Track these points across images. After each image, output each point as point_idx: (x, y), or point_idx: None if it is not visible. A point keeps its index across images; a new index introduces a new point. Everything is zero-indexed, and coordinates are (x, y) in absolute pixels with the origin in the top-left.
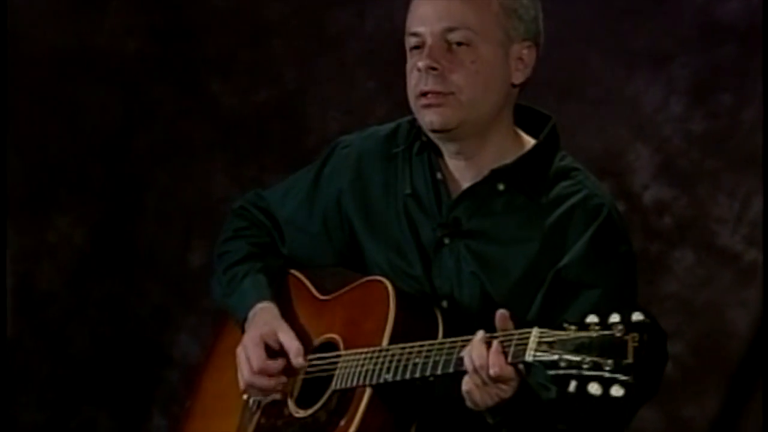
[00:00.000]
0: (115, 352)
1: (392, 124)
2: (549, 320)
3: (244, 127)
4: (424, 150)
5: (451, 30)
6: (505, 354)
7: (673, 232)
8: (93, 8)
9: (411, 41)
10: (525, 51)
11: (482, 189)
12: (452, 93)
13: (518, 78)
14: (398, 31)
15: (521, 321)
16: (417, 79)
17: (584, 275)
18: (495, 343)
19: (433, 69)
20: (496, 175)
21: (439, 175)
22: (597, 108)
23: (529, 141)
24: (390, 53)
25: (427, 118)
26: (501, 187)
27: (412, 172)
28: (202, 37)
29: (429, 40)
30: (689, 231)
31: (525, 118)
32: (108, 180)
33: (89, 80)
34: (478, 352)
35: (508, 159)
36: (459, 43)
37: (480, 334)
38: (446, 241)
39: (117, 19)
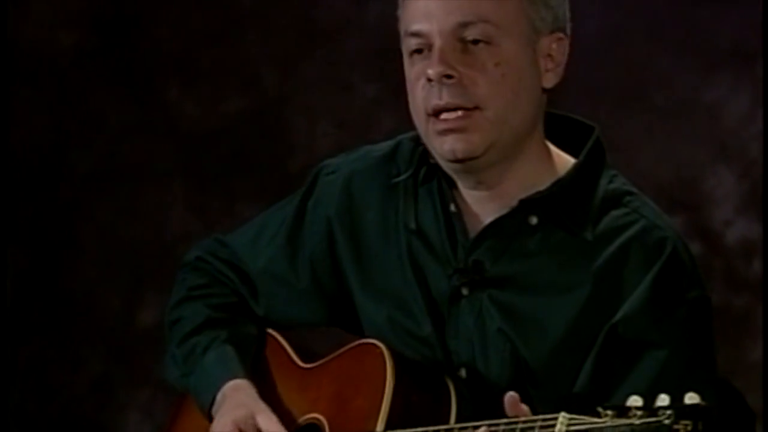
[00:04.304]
0: None
1: (390, 143)
2: (603, 391)
3: (210, 144)
4: (433, 176)
5: (465, 25)
6: None
7: (763, 281)
8: None
9: (411, 44)
10: (554, 45)
11: (510, 224)
12: (477, 108)
13: (549, 80)
14: None
15: (566, 394)
16: (426, 92)
17: (647, 332)
18: None
19: (449, 77)
20: (526, 206)
21: (452, 208)
22: (665, 120)
23: (567, 160)
24: (396, 51)
25: (447, 147)
26: (534, 220)
27: (418, 205)
28: (157, 30)
29: (438, 41)
30: None
31: (561, 129)
32: (35, 213)
33: (11, 85)
34: None
35: (541, 185)
36: (476, 41)
37: None
38: (465, 291)
39: (47, 6)
